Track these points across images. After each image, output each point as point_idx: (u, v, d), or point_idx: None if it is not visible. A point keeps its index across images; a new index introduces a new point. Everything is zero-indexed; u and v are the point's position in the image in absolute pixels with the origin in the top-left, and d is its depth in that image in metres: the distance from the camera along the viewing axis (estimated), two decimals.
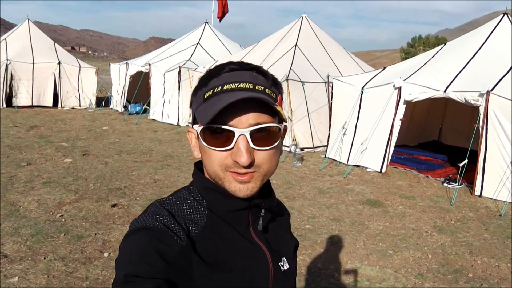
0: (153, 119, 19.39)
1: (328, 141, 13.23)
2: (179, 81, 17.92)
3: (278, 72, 14.03)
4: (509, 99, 9.96)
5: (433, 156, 13.61)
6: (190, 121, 1.45)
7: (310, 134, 14.19)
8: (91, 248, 6.53)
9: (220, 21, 25.61)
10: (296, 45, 16.00)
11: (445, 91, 10.87)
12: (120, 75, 21.83)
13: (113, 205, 8.34)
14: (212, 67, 1.38)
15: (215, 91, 1.30)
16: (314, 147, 13.97)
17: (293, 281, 1.61)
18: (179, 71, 17.91)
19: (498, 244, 7.67)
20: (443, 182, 11.19)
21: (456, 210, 9.36)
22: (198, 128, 1.32)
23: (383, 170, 11.82)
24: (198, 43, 20.87)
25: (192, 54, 19.84)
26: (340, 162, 12.57)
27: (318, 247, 7.09)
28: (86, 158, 11.93)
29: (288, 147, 13.24)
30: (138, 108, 20.47)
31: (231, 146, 1.26)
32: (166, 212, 1.32)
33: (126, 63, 21.76)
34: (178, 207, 1.37)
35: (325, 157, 12.96)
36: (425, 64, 12.45)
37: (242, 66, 1.35)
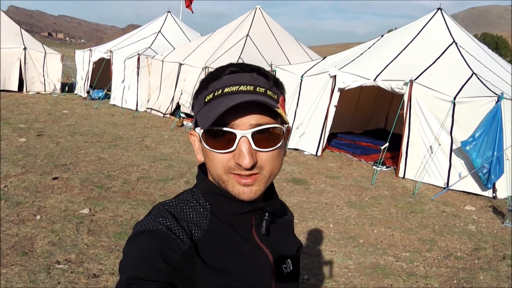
0: (113, 104, 20.04)
1: None
2: (138, 68, 18.60)
3: (227, 60, 14.76)
4: (430, 88, 10.83)
5: (373, 142, 14.42)
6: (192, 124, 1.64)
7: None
8: (26, 212, 7.22)
9: (190, 10, 26.26)
10: (247, 35, 16.79)
11: (374, 80, 11.75)
12: (84, 62, 22.40)
13: (54, 178, 9.03)
14: (213, 69, 1.40)
15: (215, 94, 1.32)
16: None
17: (297, 283, 1.61)
18: (138, 58, 18.58)
19: (400, 217, 8.54)
20: (372, 165, 12.03)
21: (374, 189, 10.24)
22: (200, 131, 1.33)
23: (319, 154, 12.66)
24: (160, 31, 21.54)
25: (152, 42, 20.51)
26: None
27: None
28: (40, 138, 12.56)
29: None
30: (100, 94, 21.04)
31: (233, 148, 1.27)
32: (169, 215, 1.34)
33: (90, 49, 22.37)
34: (181, 210, 1.38)
35: None
36: (361, 54, 13.35)
37: (242, 68, 1.36)
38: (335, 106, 12.41)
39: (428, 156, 10.81)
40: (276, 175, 1.37)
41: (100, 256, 5.97)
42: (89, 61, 21.75)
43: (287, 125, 1.37)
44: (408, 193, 10.13)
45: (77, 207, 7.58)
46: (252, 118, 1.27)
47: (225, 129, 1.26)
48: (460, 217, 8.90)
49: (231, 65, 1.37)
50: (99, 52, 21.40)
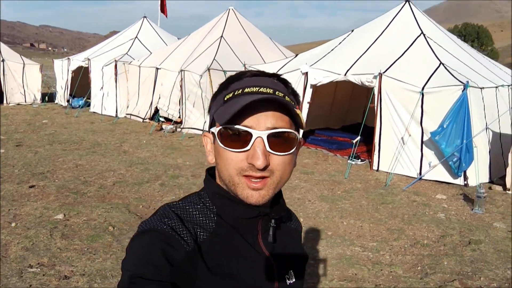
0: (93, 112, 20.15)
1: None
2: (115, 74, 18.73)
3: (203, 62, 15.02)
4: (399, 80, 11.04)
5: (350, 137, 14.59)
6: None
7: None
8: (2, 220, 7.34)
9: (164, 14, 26.48)
10: (221, 36, 16.95)
11: (345, 74, 11.95)
12: (63, 71, 22.53)
13: (31, 186, 9.17)
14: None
15: (235, 93, 1.32)
16: None
17: None
18: (116, 65, 18.70)
19: (370, 209, 8.74)
20: (348, 159, 12.22)
21: (347, 182, 10.43)
22: (215, 129, 1.33)
23: None
24: (136, 37, 21.66)
25: (129, 48, 20.64)
26: None
27: None
28: (19, 149, 12.67)
29: None
30: (80, 102, 21.14)
31: (248, 147, 1.27)
32: (174, 216, 1.34)
33: (68, 58, 22.49)
34: (187, 211, 1.38)
35: None
36: (331, 50, 13.56)
37: (263, 73, 1.39)
38: (308, 102, 12.60)
39: (400, 148, 11.02)
40: (285, 182, 1.37)
41: (72, 258, 6.11)
42: (68, 70, 21.89)
43: (300, 136, 1.38)
44: (380, 185, 10.33)
45: (52, 213, 7.72)
46: (269, 121, 1.28)
47: (241, 128, 1.27)
48: (430, 206, 9.10)
49: (251, 70, 1.42)
50: (77, 60, 21.53)
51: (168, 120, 16.60)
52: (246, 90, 1.31)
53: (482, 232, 7.80)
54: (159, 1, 26.46)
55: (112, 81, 18.93)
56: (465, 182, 10.33)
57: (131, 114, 18.55)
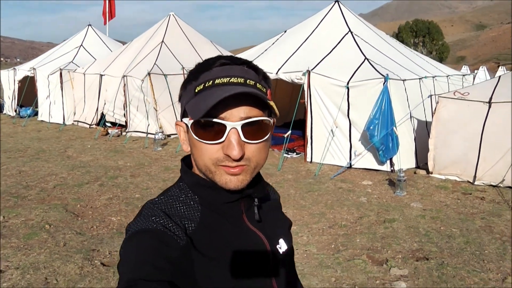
0: (41, 120, 20.29)
1: None
2: (61, 83, 18.95)
3: (144, 67, 15.44)
4: (326, 76, 11.65)
5: (285, 132, 15.15)
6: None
7: (175, 122, 15.62)
8: None
9: (105, 23, 26.85)
10: (162, 41, 17.37)
11: (276, 73, 12.50)
12: (9, 81, 22.57)
13: None
14: (202, 61, 1.42)
15: (206, 85, 1.32)
16: None
17: (292, 260, 1.66)
18: (61, 73, 18.94)
19: (297, 197, 9.31)
20: (282, 153, 12.76)
21: (279, 174, 11.00)
22: (189, 121, 1.33)
23: None
24: (81, 45, 21.91)
25: (74, 56, 20.88)
26: None
27: (138, 210, 8.47)
28: None
29: (153, 134, 14.55)
30: (28, 111, 21.25)
31: (223, 139, 1.29)
32: (161, 212, 1.35)
33: (14, 69, 22.53)
34: (172, 206, 1.39)
35: None
36: (265, 50, 14.13)
37: (233, 61, 1.37)
38: None
39: (331, 139, 11.62)
40: (262, 166, 1.39)
41: (8, 255, 6.46)
42: (14, 80, 21.96)
43: (273, 117, 1.40)
44: (311, 175, 10.90)
45: None
46: (242, 110, 1.29)
47: (215, 120, 1.27)
48: (354, 191, 9.71)
49: (221, 57, 1.39)
50: (23, 70, 21.64)
51: (114, 124, 16.93)
52: (217, 81, 1.31)
53: (398, 211, 8.46)
54: (104, 6, 26.70)
55: (58, 89, 19.14)
56: (392, 168, 10.99)
57: (78, 121, 18.80)
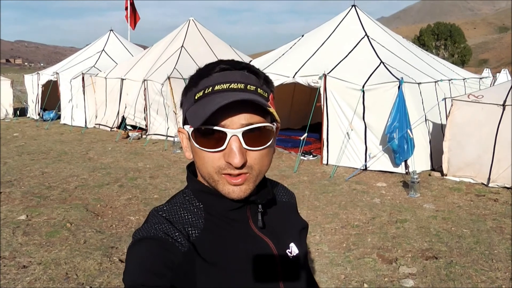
0: (64, 123, 20.73)
1: None
2: (83, 87, 19.37)
3: (164, 72, 15.74)
4: (341, 80, 11.83)
5: (301, 135, 15.37)
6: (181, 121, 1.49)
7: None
8: None
9: (133, 28, 27.18)
10: (182, 46, 17.69)
11: (293, 77, 12.71)
12: (33, 85, 23.09)
13: None
14: (202, 66, 1.41)
15: (205, 92, 1.31)
16: None
17: (306, 264, 1.61)
18: (83, 78, 19.36)
19: (311, 198, 9.48)
20: (299, 156, 12.97)
21: (295, 176, 11.19)
22: (189, 129, 1.32)
23: None
24: (103, 50, 22.33)
25: (96, 61, 21.31)
26: None
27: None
28: None
29: (172, 137, 14.82)
30: (51, 115, 21.66)
31: (224, 147, 1.27)
32: (164, 220, 1.35)
33: (38, 73, 23.05)
34: (175, 213, 1.39)
35: None
36: (283, 55, 14.35)
37: (233, 66, 1.35)
38: None
39: (346, 142, 11.79)
40: (265, 172, 1.38)
41: (31, 251, 6.75)
42: (38, 84, 22.46)
43: (276, 123, 1.37)
44: (326, 177, 11.08)
45: (16, 215, 8.34)
46: (243, 117, 1.26)
47: (215, 128, 1.26)
48: (368, 193, 9.88)
49: (221, 62, 1.38)
50: (46, 75, 22.13)
51: (135, 128, 17.26)
52: (216, 87, 1.29)
53: (410, 212, 8.61)
54: (126, 14, 27.07)
55: (80, 93, 19.56)
56: (406, 171, 11.12)
57: (99, 124, 19.18)
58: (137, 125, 17.16)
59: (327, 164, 12.17)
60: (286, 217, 1.61)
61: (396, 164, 11.18)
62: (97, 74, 19.37)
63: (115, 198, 9.53)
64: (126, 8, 26.83)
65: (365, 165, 11.52)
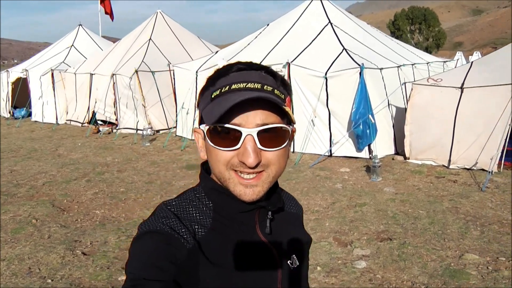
0: (35, 121, 20.71)
1: (177, 121, 15.08)
2: (53, 83, 19.37)
3: (132, 65, 15.81)
4: (304, 67, 12.00)
5: None
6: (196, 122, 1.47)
7: (164, 117, 16.06)
8: None
9: (110, 17, 26.99)
10: (150, 39, 17.78)
11: None
12: (2, 83, 22.98)
13: None
14: (220, 67, 1.39)
15: (222, 90, 1.30)
16: (169, 128, 15.66)
17: (305, 278, 1.61)
18: (52, 74, 19.35)
19: None
20: None
21: None
22: (204, 127, 1.32)
23: None
24: (72, 45, 22.28)
25: (66, 57, 21.29)
26: (186, 138, 14.29)
27: (124, 204, 8.88)
28: None
29: (142, 130, 14.95)
30: (22, 112, 21.65)
31: (238, 146, 1.26)
32: (172, 214, 1.34)
33: (7, 71, 22.95)
34: (184, 209, 1.38)
35: (175, 135, 14.87)
36: (248, 44, 14.46)
37: (250, 66, 1.35)
38: None
39: (311, 129, 11.97)
40: (280, 175, 1.36)
41: None
42: (7, 82, 22.36)
43: (293, 125, 1.36)
44: (291, 164, 11.24)
45: None
46: (258, 117, 1.26)
47: (230, 126, 1.25)
48: (331, 178, 10.07)
49: (239, 62, 1.37)
50: (16, 72, 22.07)
51: (106, 122, 17.31)
52: (233, 86, 1.29)
53: (370, 196, 8.83)
54: (99, 6, 26.78)
55: (50, 90, 19.56)
56: (370, 155, 11.32)
57: (71, 120, 19.21)
58: (108, 119, 17.20)
59: (293, 152, 12.31)
60: (292, 228, 1.59)
61: (359, 149, 11.39)
62: (66, 70, 19.37)
63: (82, 193, 9.63)
64: (102, 1, 26.58)
65: (330, 151, 11.70)
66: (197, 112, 1.45)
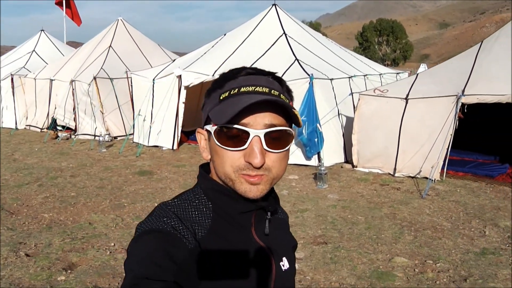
0: None
1: (134, 128, 15.29)
2: (12, 88, 19.37)
3: (91, 72, 15.96)
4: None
5: None
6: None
7: (122, 124, 16.22)
8: None
9: (76, 22, 27.00)
10: (110, 46, 17.95)
11: (213, 75, 13.09)
12: None
13: None
14: (227, 71, 1.42)
15: (231, 92, 1.33)
16: (128, 135, 15.80)
17: (293, 281, 1.63)
18: (12, 79, 19.37)
19: None
20: None
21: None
22: (212, 128, 1.34)
23: (175, 147, 13.96)
24: (34, 50, 22.28)
25: (27, 62, 21.27)
26: (141, 145, 14.54)
27: (73, 208, 9.03)
28: None
29: (98, 136, 15.08)
30: None
31: (245, 146, 1.29)
32: (173, 215, 1.35)
33: None
34: (184, 209, 1.39)
35: (132, 141, 15.05)
36: (204, 53, 14.73)
37: (258, 71, 1.40)
38: (183, 103, 13.69)
39: None
40: (281, 177, 1.40)
41: None
42: None
43: (294, 131, 1.39)
44: None
45: None
46: (267, 118, 1.29)
47: (239, 127, 1.28)
48: (278, 185, 10.24)
49: (246, 67, 1.41)
50: None
51: (66, 128, 17.37)
52: (242, 89, 1.33)
53: (313, 202, 9.14)
54: (65, 11, 26.72)
55: (9, 95, 19.54)
56: (319, 163, 11.62)
57: (30, 125, 19.19)
58: (67, 125, 17.26)
59: None
60: (282, 232, 1.64)
61: (308, 157, 11.69)
62: (27, 75, 19.36)
63: (33, 197, 9.75)
64: (59, 4, 26.51)
65: None
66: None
